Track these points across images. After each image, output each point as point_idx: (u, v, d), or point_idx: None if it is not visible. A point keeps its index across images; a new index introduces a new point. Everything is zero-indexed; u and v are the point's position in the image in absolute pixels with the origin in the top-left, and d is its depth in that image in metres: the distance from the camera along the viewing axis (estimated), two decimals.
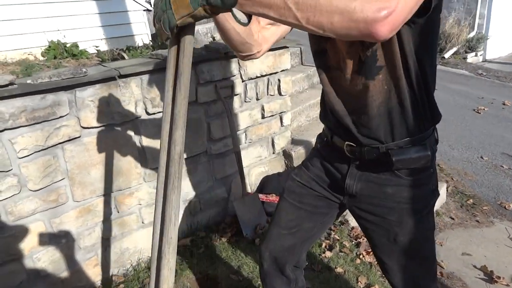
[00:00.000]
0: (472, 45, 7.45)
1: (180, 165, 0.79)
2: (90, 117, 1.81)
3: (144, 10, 3.72)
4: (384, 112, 0.98)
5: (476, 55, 7.58)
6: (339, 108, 1.06)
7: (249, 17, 0.83)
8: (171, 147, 0.79)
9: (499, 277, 2.10)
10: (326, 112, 1.15)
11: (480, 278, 2.14)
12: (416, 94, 0.96)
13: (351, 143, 1.06)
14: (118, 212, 2.04)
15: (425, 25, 0.86)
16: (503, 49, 7.99)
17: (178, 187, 0.79)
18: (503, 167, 3.45)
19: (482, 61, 7.70)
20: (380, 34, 0.68)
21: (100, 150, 1.88)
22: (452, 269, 2.21)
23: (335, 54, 1.01)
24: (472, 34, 7.46)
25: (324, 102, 1.15)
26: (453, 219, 2.71)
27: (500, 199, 2.96)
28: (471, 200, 2.93)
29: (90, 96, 1.79)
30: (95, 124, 1.83)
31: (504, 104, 5.08)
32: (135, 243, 2.15)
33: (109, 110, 1.86)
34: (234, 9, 0.74)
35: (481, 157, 3.64)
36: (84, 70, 1.76)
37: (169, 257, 0.80)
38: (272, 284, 1.32)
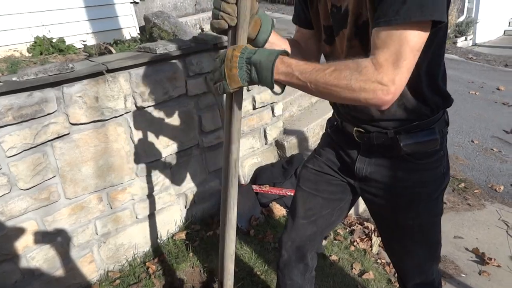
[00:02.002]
0: (462, 29, 7.46)
1: (236, 168, 1.05)
2: (79, 113, 1.78)
3: (131, 3, 3.66)
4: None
5: (466, 39, 7.60)
6: None
7: (283, 87, 0.95)
8: (229, 156, 1.05)
9: (490, 259, 2.14)
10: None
11: (472, 260, 2.18)
12: (425, 81, 0.96)
13: (360, 129, 1.08)
14: (112, 208, 2.03)
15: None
16: (493, 33, 8.01)
17: (236, 183, 1.08)
18: (493, 150, 3.49)
19: (472, 45, 7.72)
20: (384, 107, 0.83)
21: (90, 146, 1.87)
22: (445, 252, 2.24)
23: (340, 53, 1.05)
24: (461, 18, 7.46)
25: None
26: (445, 203, 2.74)
27: (491, 182, 3.00)
28: (462, 184, 2.97)
29: (78, 92, 1.76)
30: (85, 120, 1.81)
31: (498, 89, 5.11)
32: (130, 239, 2.15)
33: (98, 105, 1.84)
34: None
35: (472, 141, 3.68)
36: (71, 65, 1.73)
37: (231, 231, 1.15)
38: (289, 274, 1.33)
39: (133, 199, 2.11)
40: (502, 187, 2.91)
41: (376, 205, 1.17)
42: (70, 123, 1.78)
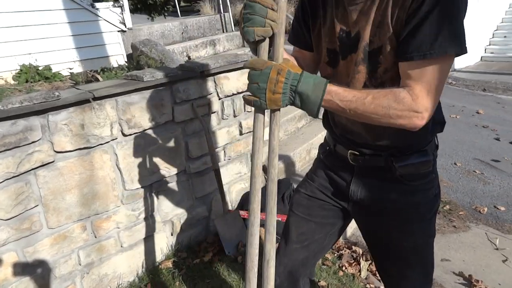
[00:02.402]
0: None
1: (275, 182, 0.98)
2: (64, 141, 1.78)
3: (118, 31, 3.71)
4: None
5: None
6: (344, 119, 1.10)
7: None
8: (270, 170, 0.96)
9: (477, 281, 2.15)
10: (329, 121, 1.19)
11: (460, 283, 2.18)
12: None
13: (355, 152, 1.09)
14: (96, 237, 1.99)
15: None
16: (471, 59, 8.33)
17: (275, 196, 0.99)
18: (475, 172, 3.56)
19: (452, 71, 8.00)
20: (416, 129, 0.91)
21: (75, 174, 1.84)
22: (433, 275, 2.24)
23: (344, 76, 1.05)
24: None
25: (327, 112, 1.19)
26: None
27: (474, 203, 3.05)
28: (447, 206, 3.00)
29: (63, 119, 1.76)
30: (70, 148, 1.80)
31: (477, 112, 5.27)
32: (114, 268, 2.09)
33: (84, 133, 1.83)
34: None
35: (455, 163, 3.75)
36: (57, 93, 1.74)
37: (272, 238, 0.98)
38: None
39: (118, 227, 2.07)
40: (485, 209, 2.95)
41: (370, 227, 1.18)
42: (55, 151, 1.76)
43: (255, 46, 0.93)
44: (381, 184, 1.09)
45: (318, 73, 1.13)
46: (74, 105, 1.79)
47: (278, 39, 0.92)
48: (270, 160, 0.96)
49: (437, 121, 1.05)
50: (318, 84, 0.88)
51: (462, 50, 0.85)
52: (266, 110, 0.94)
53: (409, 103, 0.86)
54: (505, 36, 8.51)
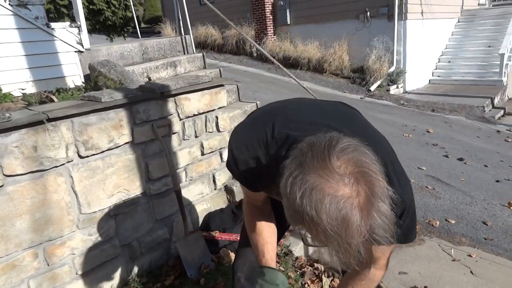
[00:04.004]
0: (393, 79, 8.21)
1: None
2: (14, 164, 1.69)
3: (75, 52, 3.63)
4: None
5: (397, 87, 8.34)
6: None
7: None
8: None
9: None
10: None
11: None
12: None
13: None
14: (49, 264, 1.88)
15: None
16: (420, 81, 8.90)
17: None
18: (428, 187, 3.76)
19: (403, 92, 8.48)
20: None
21: (26, 199, 1.75)
22: None
23: None
24: (392, 69, 8.23)
25: None
26: None
27: (428, 217, 3.21)
28: None
29: (14, 141, 1.68)
30: (21, 171, 1.72)
31: (428, 131, 5.60)
32: None
33: (37, 155, 1.76)
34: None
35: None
36: (7, 114, 1.67)
37: None
38: None
39: (73, 253, 1.97)
40: (438, 222, 3.11)
41: None
42: (4, 175, 1.67)
43: None
44: None
45: None
46: (26, 127, 1.72)
47: None
48: None
49: None
50: None
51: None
52: None
53: (379, 275, 1.10)
54: (449, 61, 9.19)
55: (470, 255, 2.65)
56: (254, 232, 1.21)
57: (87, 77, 3.50)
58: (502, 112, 7.27)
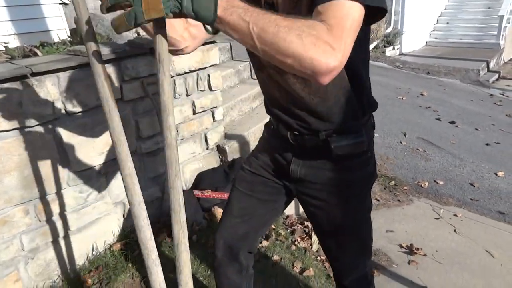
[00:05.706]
0: (389, 40, 8.05)
1: (177, 149, 0.81)
2: None
3: (60, 4, 3.46)
4: (322, 105, 1.03)
5: (393, 49, 8.21)
6: (278, 102, 1.11)
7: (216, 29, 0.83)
8: (166, 134, 0.79)
9: (417, 249, 2.32)
10: (267, 104, 1.20)
11: (402, 251, 2.35)
12: (353, 86, 1.02)
13: (294, 132, 1.11)
14: (40, 221, 1.89)
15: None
16: (417, 43, 8.75)
17: (179, 171, 0.83)
18: (419, 150, 3.80)
19: (399, 54, 8.36)
20: (323, 82, 0.74)
21: (14, 155, 1.72)
22: (378, 246, 2.39)
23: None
24: (389, 30, 8.06)
25: (264, 95, 1.20)
26: (378, 200, 2.92)
27: (417, 179, 3.26)
28: (392, 182, 3.18)
29: None
30: (6, 127, 1.67)
31: (421, 94, 5.57)
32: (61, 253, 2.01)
33: (21, 111, 1.70)
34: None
35: (400, 142, 3.97)
36: None
37: (185, 240, 0.88)
38: (225, 273, 1.34)
39: (65, 210, 1.98)
40: (427, 183, 3.17)
41: (311, 205, 1.21)
42: None
43: None
44: (319, 164, 1.13)
45: None
46: (9, 81, 1.65)
47: None
48: (164, 121, 0.78)
49: (368, 102, 1.10)
50: None
51: (373, 2, 0.75)
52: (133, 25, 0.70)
53: (324, 31, 0.71)
54: (447, 23, 9.00)
55: (456, 215, 2.72)
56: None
57: (73, 32, 3.36)
58: (496, 76, 7.25)
